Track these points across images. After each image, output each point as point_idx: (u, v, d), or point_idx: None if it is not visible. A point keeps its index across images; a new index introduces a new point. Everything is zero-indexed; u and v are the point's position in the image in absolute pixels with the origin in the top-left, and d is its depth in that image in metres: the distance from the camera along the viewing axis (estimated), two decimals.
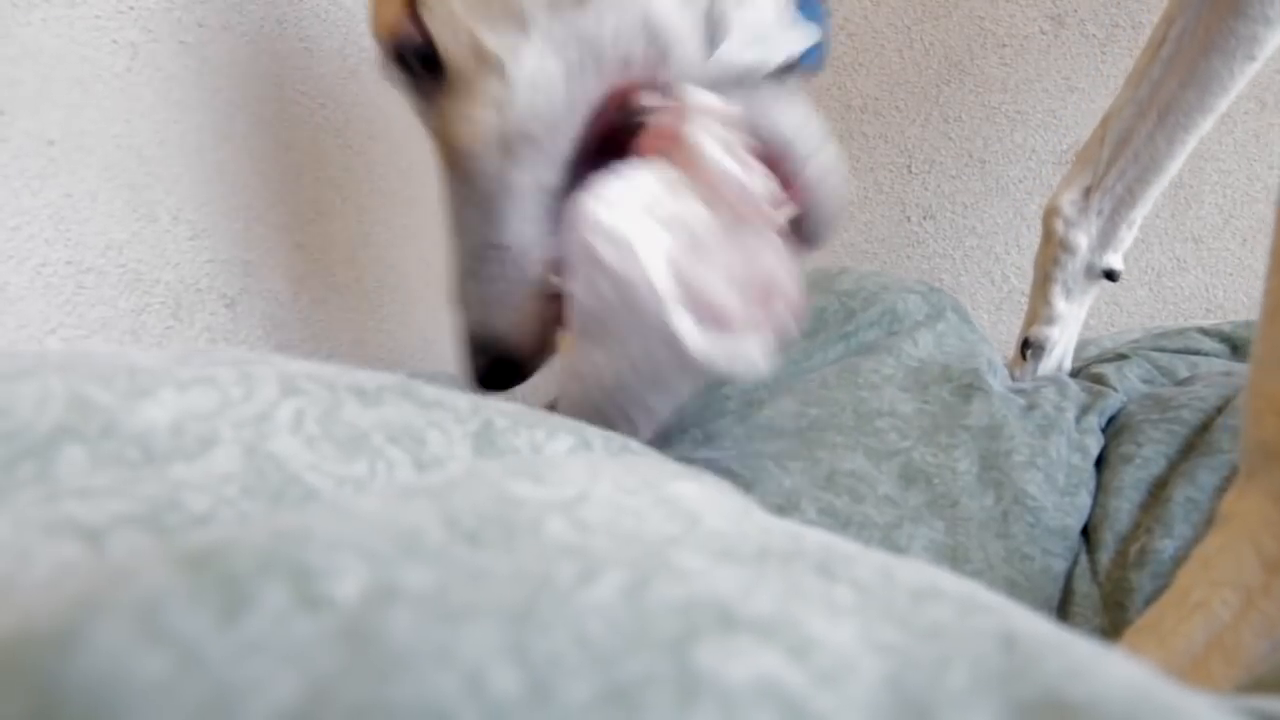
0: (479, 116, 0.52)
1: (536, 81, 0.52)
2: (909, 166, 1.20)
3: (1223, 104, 0.74)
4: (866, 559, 0.20)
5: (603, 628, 0.16)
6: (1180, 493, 0.56)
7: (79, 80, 0.68)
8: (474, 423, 0.33)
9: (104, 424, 0.26)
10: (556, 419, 0.37)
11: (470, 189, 0.52)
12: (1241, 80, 0.73)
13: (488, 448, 0.33)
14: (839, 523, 0.58)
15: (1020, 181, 1.17)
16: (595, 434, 0.37)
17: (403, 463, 0.30)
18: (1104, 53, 1.12)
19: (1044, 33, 1.14)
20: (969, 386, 0.71)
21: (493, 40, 0.51)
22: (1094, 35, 1.13)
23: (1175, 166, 0.78)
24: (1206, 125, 0.75)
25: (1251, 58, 0.72)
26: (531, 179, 0.53)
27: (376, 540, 0.18)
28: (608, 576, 0.18)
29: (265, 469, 0.27)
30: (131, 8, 0.72)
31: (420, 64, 0.53)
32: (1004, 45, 1.16)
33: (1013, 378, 0.85)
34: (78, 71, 0.68)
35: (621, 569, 0.18)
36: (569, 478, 0.23)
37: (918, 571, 0.20)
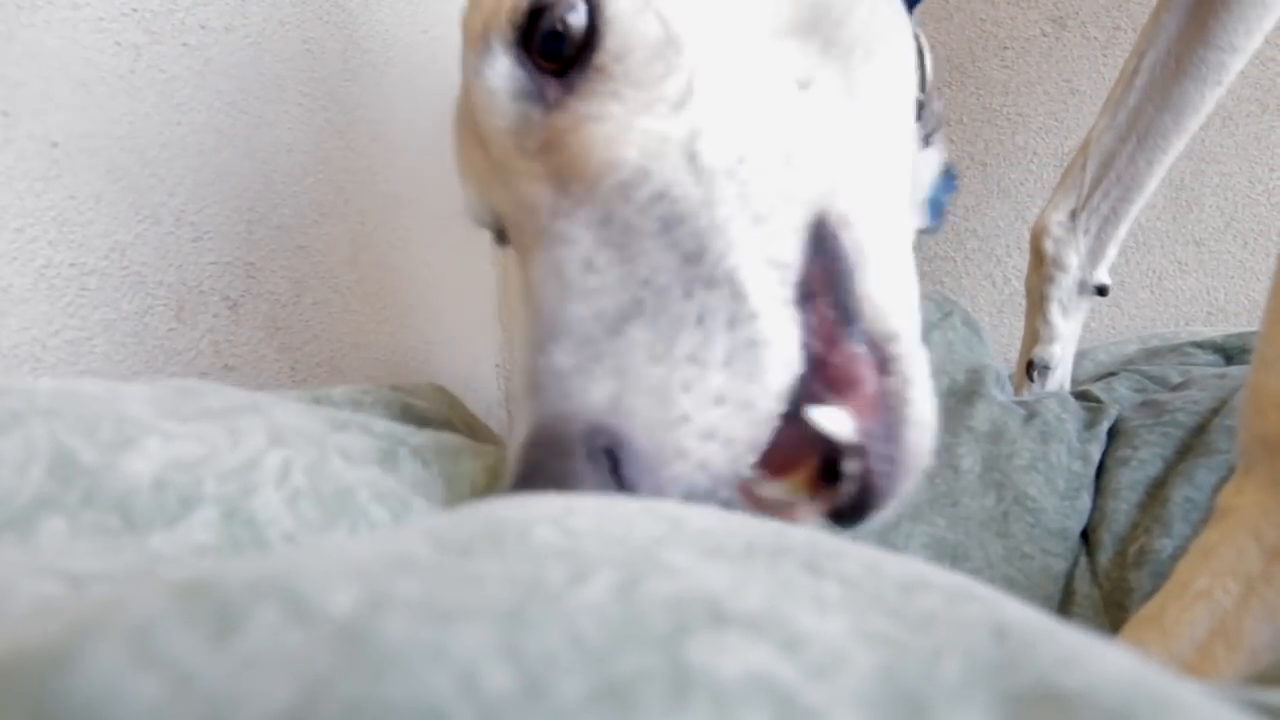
0: (648, 127, 0.39)
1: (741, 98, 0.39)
2: None
3: (1194, 125, 0.80)
4: (853, 554, 0.20)
5: (594, 626, 0.16)
6: (1178, 493, 0.56)
7: (82, 82, 0.68)
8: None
9: (85, 490, 0.26)
10: None
11: (615, 231, 0.37)
12: (1212, 102, 0.79)
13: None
14: None
15: (1021, 184, 1.17)
16: None
17: (385, 523, 0.30)
18: (1105, 55, 1.12)
19: (1045, 35, 1.14)
20: (973, 394, 0.72)
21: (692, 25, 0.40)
22: (1095, 38, 1.13)
23: (1154, 184, 0.83)
24: (1181, 145, 0.81)
25: (1219, 83, 0.77)
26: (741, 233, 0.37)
27: (366, 565, 0.18)
28: (598, 576, 0.18)
29: (241, 539, 0.27)
30: (134, 10, 0.72)
31: (548, 48, 0.41)
32: (1005, 48, 1.16)
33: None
34: (81, 73, 0.68)
35: (611, 568, 0.18)
36: (554, 500, 0.23)
37: (905, 565, 0.20)
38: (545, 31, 0.41)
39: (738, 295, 0.35)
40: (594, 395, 0.32)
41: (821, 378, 0.37)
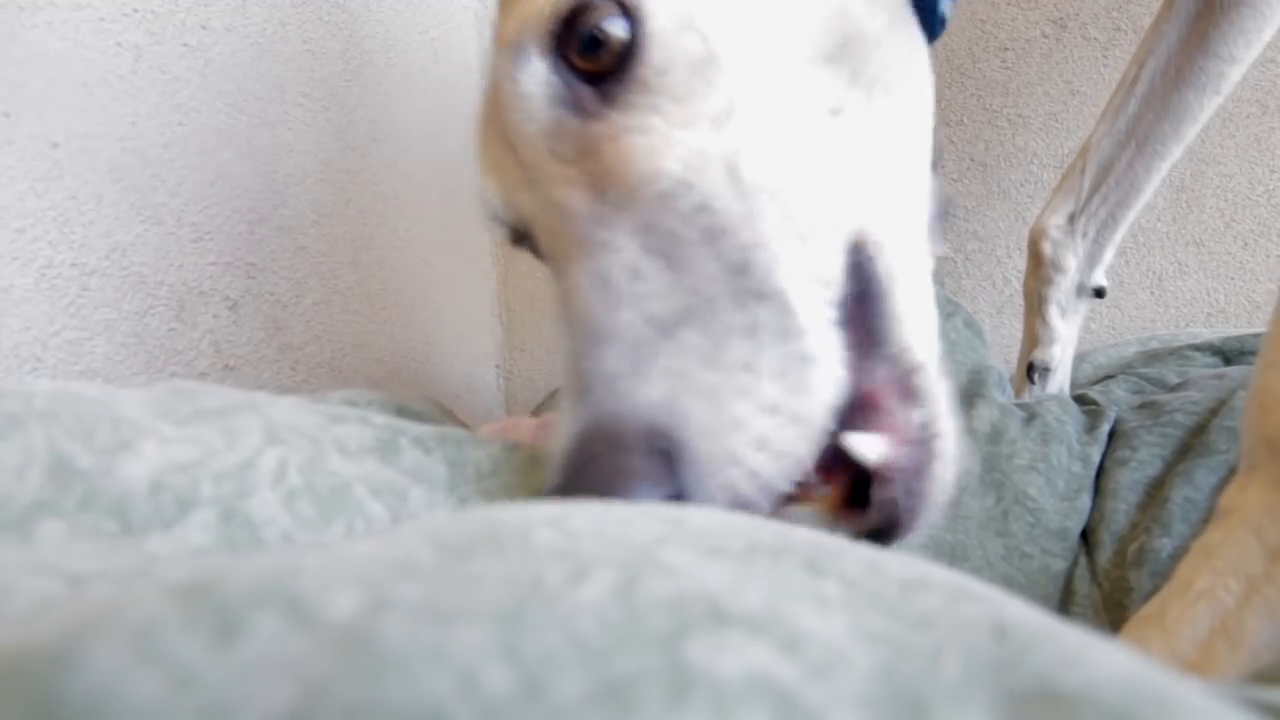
0: (689, 141, 0.39)
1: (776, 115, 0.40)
2: None
3: (1193, 133, 0.81)
4: (854, 553, 0.20)
5: (594, 625, 0.16)
6: (1178, 493, 0.56)
7: (83, 83, 0.68)
8: (453, 497, 0.34)
9: (83, 495, 0.26)
10: (536, 477, 0.37)
11: (659, 239, 0.37)
12: (1210, 111, 0.80)
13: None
14: None
15: (1022, 185, 1.17)
16: None
17: (382, 519, 0.30)
18: (1106, 57, 1.12)
19: (1046, 36, 1.14)
20: (975, 395, 0.72)
21: (732, 43, 0.40)
22: (1096, 39, 1.13)
23: (1152, 189, 0.84)
24: (1179, 152, 0.82)
25: (1218, 92, 0.79)
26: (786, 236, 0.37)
27: (367, 568, 0.18)
28: (597, 576, 0.18)
29: (238, 540, 0.27)
30: (136, 10, 0.72)
31: (586, 55, 0.41)
32: (1006, 49, 1.16)
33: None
34: (82, 74, 0.68)
35: (611, 568, 0.18)
36: (553, 505, 0.23)
37: (906, 564, 0.20)
38: (582, 38, 0.40)
39: (786, 310, 0.35)
40: (649, 396, 0.33)
41: (854, 402, 0.37)
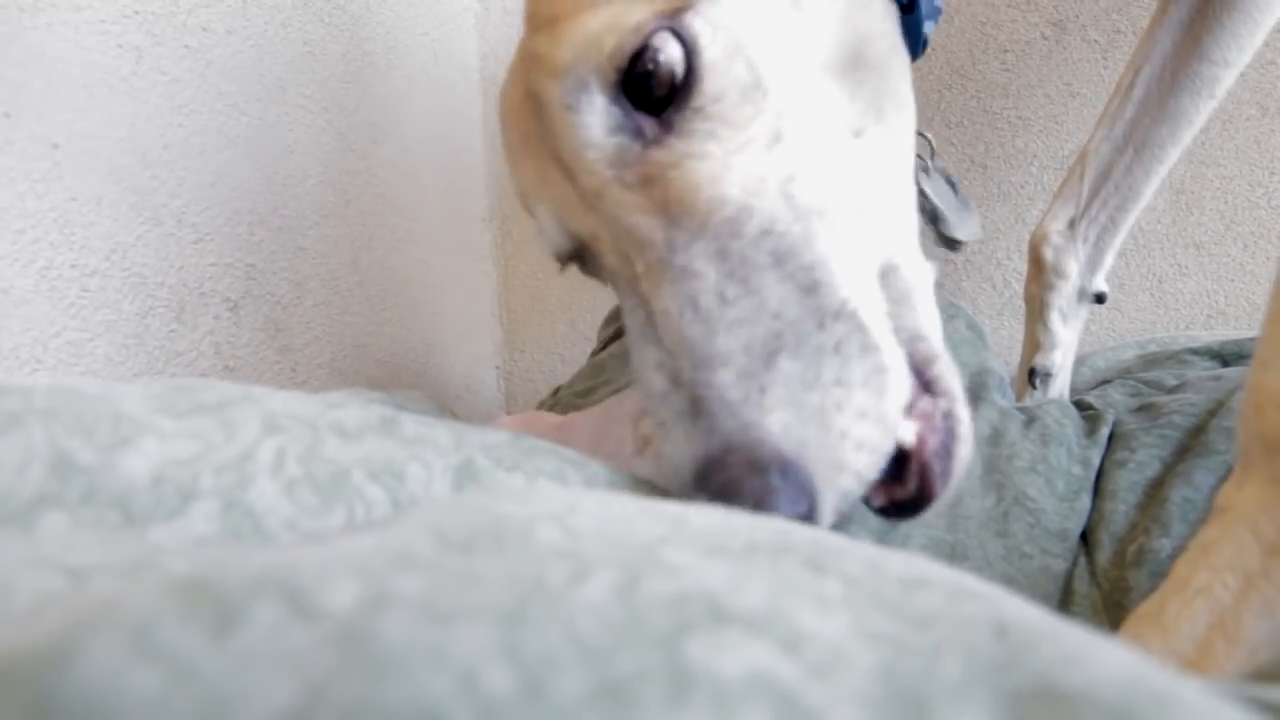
0: (745, 166, 0.42)
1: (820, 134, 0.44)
2: None
3: (1189, 137, 0.82)
4: (855, 552, 0.20)
5: (595, 625, 0.16)
6: (1177, 493, 0.56)
7: (84, 84, 0.68)
8: (455, 457, 0.34)
9: (85, 489, 0.26)
10: (539, 459, 0.37)
11: (734, 263, 0.40)
12: (1205, 114, 0.81)
13: (469, 483, 0.34)
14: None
15: (1022, 187, 1.17)
16: (575, 476, 0.37)
17: (381, 502, 0.31)
18: (1105, 58, 1.13)
19: (1046, 38, 1.14)
20: (976, 398, 0.72)
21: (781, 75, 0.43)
22: (1096, 41, 1.13)
23: (1150, 194, 0.85)
24: (1176, 155, 0.83)
25: (1213, 96, 0.80)
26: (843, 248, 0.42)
27: (367, 559, 0.18)
28: (598, 576, 0.18)
29: (241, 529, 0.27)
30: (137, 12, 0.72)
31: (639, 92, 0.43)
32: (1006, 51, 1.16)
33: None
34: (83, 75, 0.68)
35: (612, 568, 0.18)
36: (556, 497, 0.23)
37: (907, 563, 0.20)
38: (639, 71, 0.43)
39: (861, 328, 0.40)
40: (773, 424, 0.36)
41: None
